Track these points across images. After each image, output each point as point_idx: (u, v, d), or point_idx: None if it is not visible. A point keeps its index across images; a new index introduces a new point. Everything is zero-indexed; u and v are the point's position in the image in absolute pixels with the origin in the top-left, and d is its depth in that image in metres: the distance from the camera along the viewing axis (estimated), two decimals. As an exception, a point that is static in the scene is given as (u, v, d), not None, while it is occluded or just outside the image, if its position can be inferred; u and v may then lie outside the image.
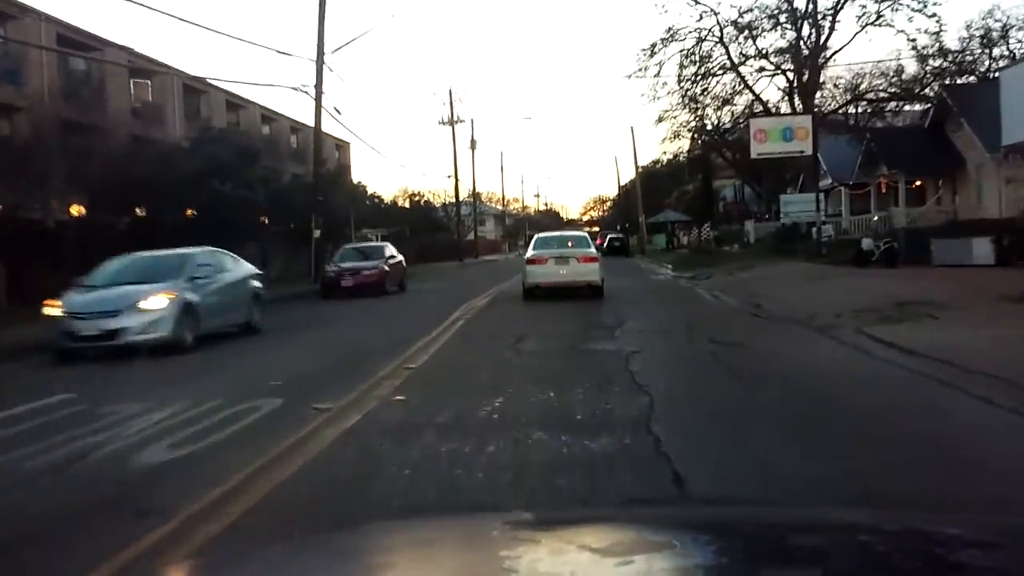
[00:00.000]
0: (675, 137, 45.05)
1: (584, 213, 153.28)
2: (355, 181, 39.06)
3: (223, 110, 49.91)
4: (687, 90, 36.00)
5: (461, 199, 79.21)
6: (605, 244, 64.33)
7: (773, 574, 1.55)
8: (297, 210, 32.25)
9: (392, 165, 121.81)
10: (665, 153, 46.20)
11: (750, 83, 36.43)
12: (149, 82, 42.17)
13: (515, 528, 1.91)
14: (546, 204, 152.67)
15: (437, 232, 57.58)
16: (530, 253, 21.76)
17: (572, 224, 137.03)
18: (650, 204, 77.59)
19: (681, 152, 45.98)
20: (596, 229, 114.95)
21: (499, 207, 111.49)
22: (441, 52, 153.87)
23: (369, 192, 42.92)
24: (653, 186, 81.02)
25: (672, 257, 43.99)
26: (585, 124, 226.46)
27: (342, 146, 70.16)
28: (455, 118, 58.39)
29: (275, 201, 28.13)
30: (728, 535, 1.77)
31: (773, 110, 37.87)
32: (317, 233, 29.65)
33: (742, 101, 41.11)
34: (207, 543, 4.26)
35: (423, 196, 55.75)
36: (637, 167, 61.01)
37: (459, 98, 74.59)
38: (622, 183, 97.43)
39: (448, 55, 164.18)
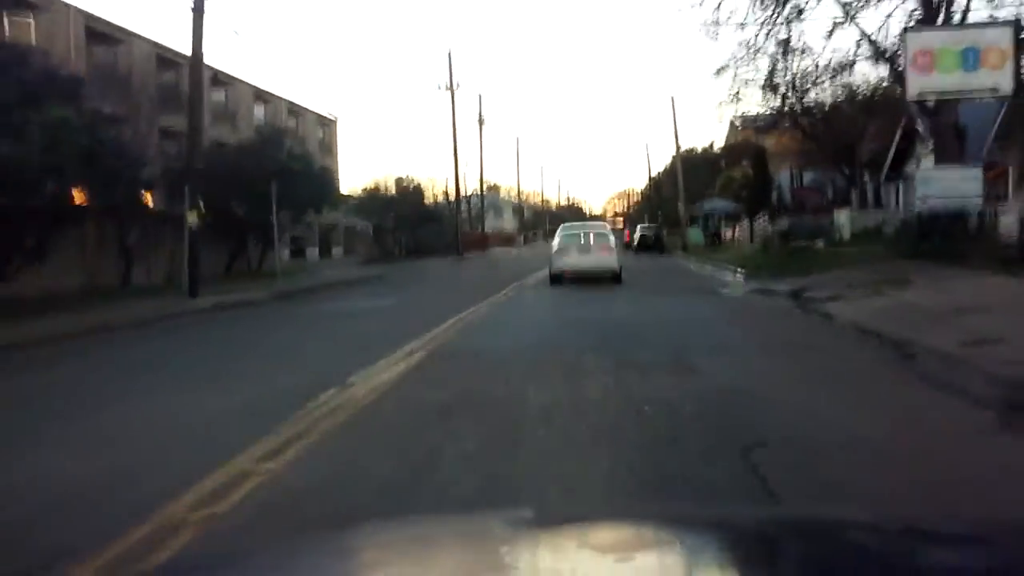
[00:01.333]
0: (735, 99, 32.92)
1: (608, 207, 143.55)
2: (293, 150, 27.21)
3: (152, 66, 38.49)
4: (773, 11, 23.77)
5: (473, 188, 67.95)
6: (636, 239, 52.39)
7: (773, 574, 1.51)
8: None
9: (390, 152, 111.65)
10: (721, 121, 33.83)
11: (853, 13, 24.25)
12: (31, 20, 30.92)
13: (515, 526, 1.81)
14: (568, 198, 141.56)
15: (428, 223, 45.97)
16: (556, 244, 22.68)
17: (596, 218, 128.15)
18: (686, 194, 66.19)
19: (744, 113, 33.49)
20: (620, 225, 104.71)
21: (521, 201, 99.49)
22: (446, 19, 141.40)
23: (326, 167, 31.08)
24: (689, 175, 69.67)
25: (728, 256, 32.06)
26: (610, 111, 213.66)
27: (328, 123, 58.63)
28: (455, 84, 46.75)
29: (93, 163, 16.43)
30: (729, 534, 1.71)
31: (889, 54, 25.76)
32: (191, 218, 18.16)
33: (829, 49, 29.28)
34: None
35: (413, 181, 44.08)
36: (678, 144, 49.12)
37: (461, 61, 62.93)
38: (653, 173, 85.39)
39: (454, 23, 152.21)
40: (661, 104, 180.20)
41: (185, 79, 41.08)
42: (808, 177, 54.78)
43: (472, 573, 1.54)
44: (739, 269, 24.51)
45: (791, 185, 55.19)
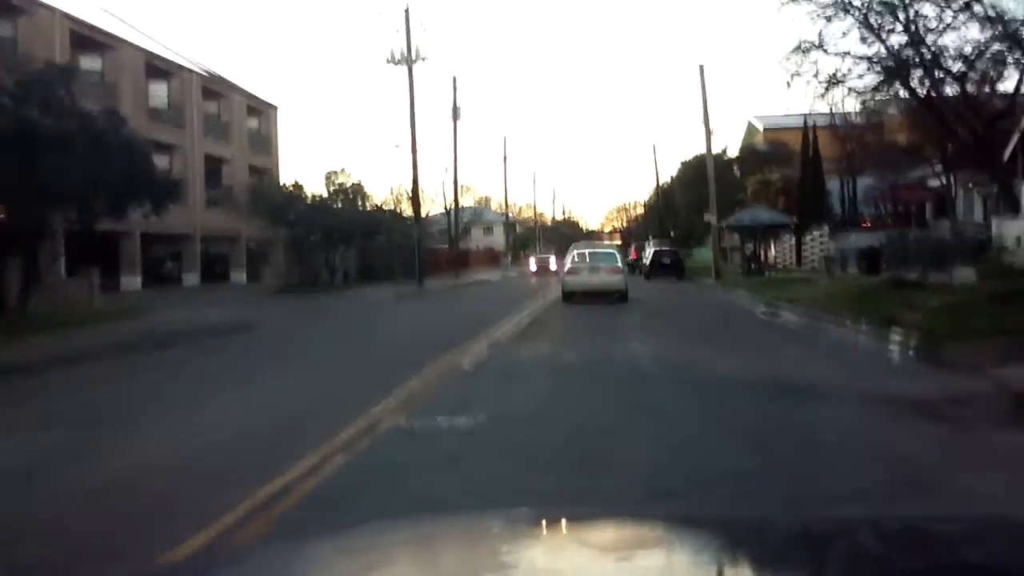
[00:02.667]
0: (812, 46, 20.67)
1: (606, 223, 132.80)
2: (68, 101, 14.61)
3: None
4: None
5: (446, 200, 55.37)
6: (648, 260, 40.10)
7: (773, 574, 1.48)
8: None
9: (349, 151, 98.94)
10: (790, 84, 21.48)
11: None
12: None
13: (515, 525, 1.76)
14: (564, 211, 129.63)
15: (375, 237, 33.50)
16: (568, 264, 23.22)
17: (593, 235, 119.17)
18: (698, 205, 54.78)
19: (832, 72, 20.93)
20: (618, 242, 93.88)
21: (509, 213, 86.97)
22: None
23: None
24: (701, 185, 58.44)
25: (811, 294, 19.82)
26: (609, 116, 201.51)
27: (262, 111, 46.27)
28: (414, 54, 34.48)
29: None
30: (726, 533, 1.67)
31: None
32: None
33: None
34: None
35: (348, 178, 31.47)
36: (708, 129, 36.17)
37: (433, 44, 51.06)
38: (661, 181, 73.11)
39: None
40: (667, 104, 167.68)
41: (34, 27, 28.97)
42: (863, 184, 42.62)
43: (472, 573, 1.51)
44: (886, 329, 12.17)
45: (843, 194, 42.87)
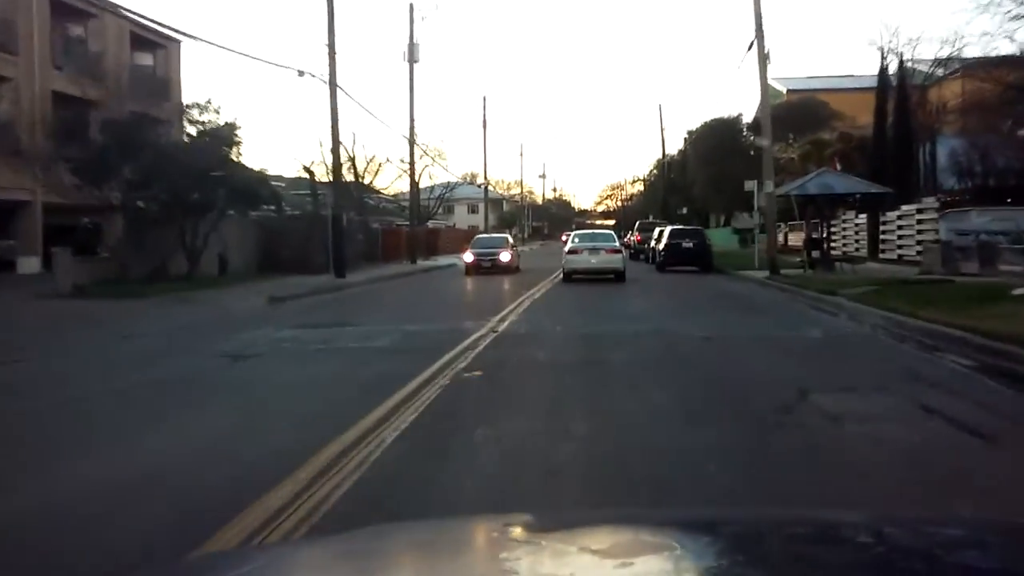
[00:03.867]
0: None
1: (599, 203, 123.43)
2: None
3: None
4: None
5: (412, 171, 42.95)
6: (662, 244, 28.67)
7: (773, 574, 1.45)
8: None
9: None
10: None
11: None
12: None
13: (515, 530, 1.69)
14: (554, 190, 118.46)
15: (256, 203, 21.97)
16: (570, 246, 23.44)
17: (585, 215, 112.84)
18: (717, 179, 44.82)
19: None
20: (612, 222, 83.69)
21: (488, 186, 75.40)
22: None
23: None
24: (716, 150, 48.76)
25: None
26: (603, 87, 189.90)
27: (158, 44, 34.53)
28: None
29: None
30: (728, 536, 1.63)
31: None
32: None
33: None
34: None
35: (216, 113, 19.87)
36: (762, 52, 24.09)
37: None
38: (665, 152, 61.63)
39: None
40: (666, 69, 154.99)
41: None
42: (946, 146, 31.40)
43: None
44: None
45: (918, 155, 31.51)
